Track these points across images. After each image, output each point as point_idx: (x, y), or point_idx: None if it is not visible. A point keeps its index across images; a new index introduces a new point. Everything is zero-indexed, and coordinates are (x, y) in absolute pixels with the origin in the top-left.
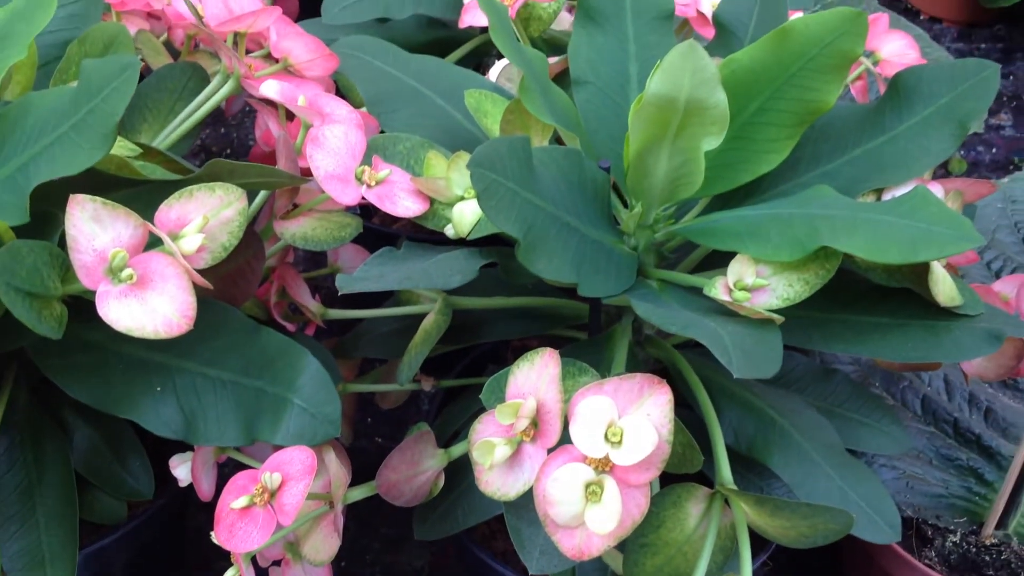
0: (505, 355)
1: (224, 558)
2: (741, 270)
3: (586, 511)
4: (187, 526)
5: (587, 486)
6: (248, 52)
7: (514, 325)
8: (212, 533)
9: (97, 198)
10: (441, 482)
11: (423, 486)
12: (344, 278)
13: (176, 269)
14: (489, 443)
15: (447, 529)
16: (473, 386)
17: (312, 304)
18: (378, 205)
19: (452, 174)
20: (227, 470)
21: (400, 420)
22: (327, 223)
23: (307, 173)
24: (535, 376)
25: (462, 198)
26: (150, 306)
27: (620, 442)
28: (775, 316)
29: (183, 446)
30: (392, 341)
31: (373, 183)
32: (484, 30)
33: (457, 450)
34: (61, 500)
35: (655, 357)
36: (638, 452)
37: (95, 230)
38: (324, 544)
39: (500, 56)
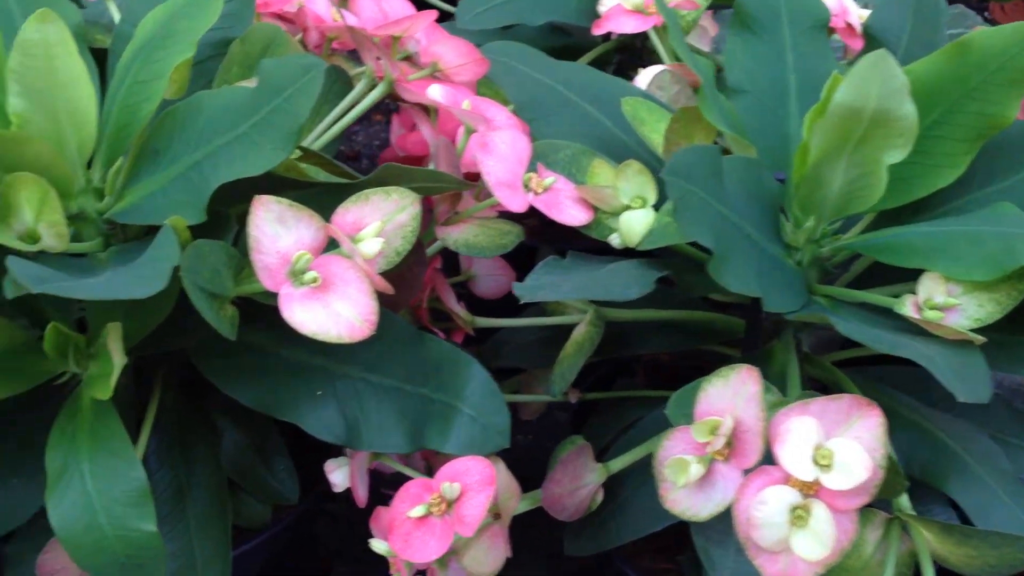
0: (635, 368)
1: (349, 563)
2: (932, 288)
3: (792, 536)
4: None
5: (793, 510)
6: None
7: (662, 338)
8: (372, 540)
9: (282, 200)
10: (600, 497)
11: (583, 500)
12: (522, 287)
13: (357, 273)
14: (683, 461)
15: (599, 545)
16: (615, 399)
17: (462, 311)
18: (545, 212)
19: (620, 183)
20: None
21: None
22: (488, 230)
23: (468, 178)
24: (731, 393)
25: (628, 207)
26: (333, 310)
27: (830, 465)
28: (976, 337)
29: (317, 450)
30: (535, 351)
31: (540, 190)
32: (606, 38)
33: (616, 464)
34: (212, 502)
35: (812, 376)
36: (852, 477)
37: (279, 231)
38: (488, 556)
39: (623, 64)
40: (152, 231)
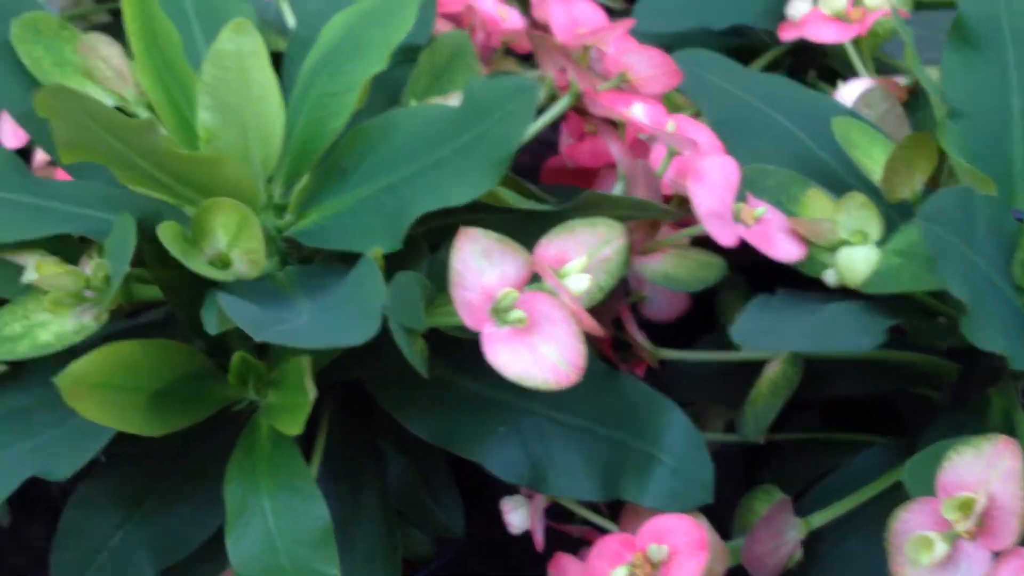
0: (811, 404)
1: None
2: None
3: None
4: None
5: None
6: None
7: (856, 378)
8: None
9: (490, 233)
10: (799, 554)
11: (783, 558)
12: (740, 332)
13: (564, 313)
14: (926, 539)
15: None
16: (797, 441)
17: (647, 343)
18: (756, 246)
19: (840, 216)
20: None
21: None
22: (688, 261)
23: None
24: (984, 466)
25: (846, 242)
26: (538, 353)
27: None
28: None
29: (477, 481)
30: (715, 384)
31: (750, 221)
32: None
33: (817, 520)
34: (381, 535)
35: None
36: None
37: (484, 266)
38: None
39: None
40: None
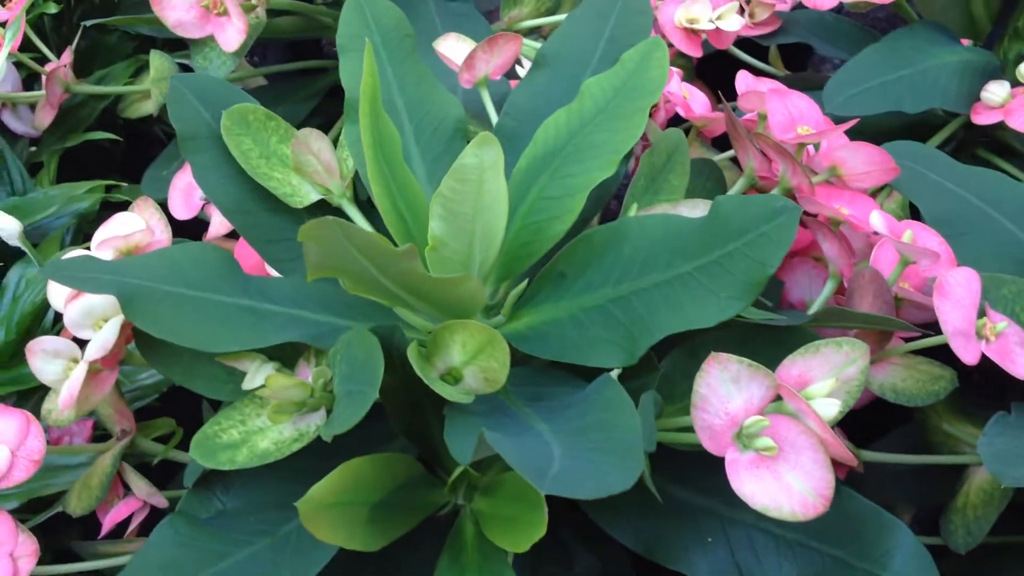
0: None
1: None
2: None
3: None
4: None
5: None
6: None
7: None
8: None
9: (742, 359)
10: None
11: None
12: (999, 466)
13: (812, 440)
14: None
15: None
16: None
17: (849, 445)
18: (997, 361)
19: None
20: None
21: None
22: (917, 372)
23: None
24: None
25: None
26: (784, 482)
27: None
28: None
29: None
30: (909, 484)
31: (992, 337)
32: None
33: None
34: None
35: None
36: None
37: (731, 392)
38: None
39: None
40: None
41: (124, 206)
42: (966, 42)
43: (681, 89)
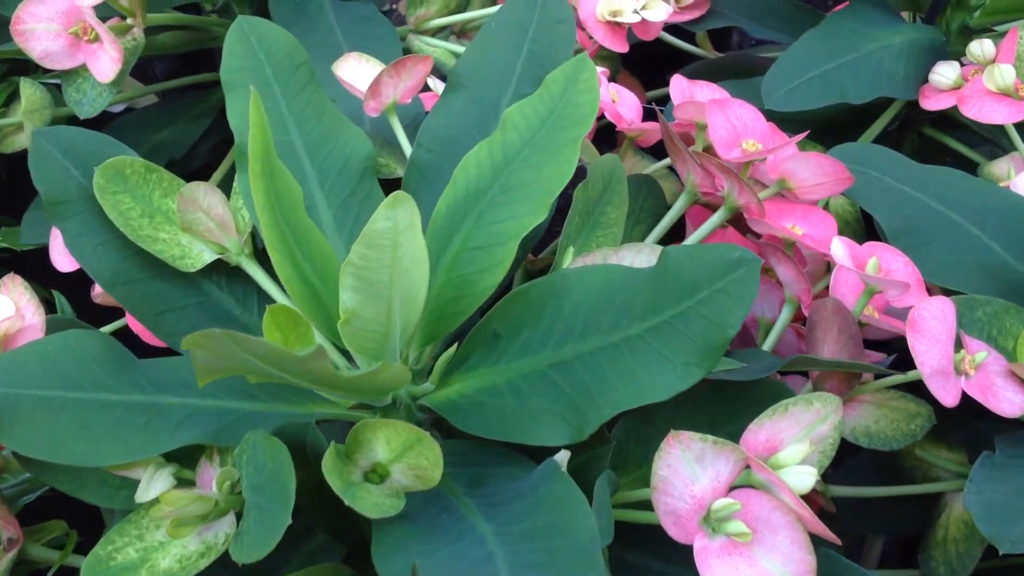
0: None
1: None
2: None
3: None
4: None
5: None
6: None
7: None
8: None
9: (706, 436)
10: None
11: None
12: (985, 520)
13: (787, 517)
14: None
15: None
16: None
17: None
18: (979, 399)
19: None
20: None
21: None
22: (890, 412)
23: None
24: None
25: None
26: (760, 567)
27: None
28: None
29: None
30: (880, 514)
31: (972, 371)
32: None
33: None
34: None
35: None
36: None
37: (696, 472)
38: None
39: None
40: None
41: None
42: (906, 15)
43: (609, 92)
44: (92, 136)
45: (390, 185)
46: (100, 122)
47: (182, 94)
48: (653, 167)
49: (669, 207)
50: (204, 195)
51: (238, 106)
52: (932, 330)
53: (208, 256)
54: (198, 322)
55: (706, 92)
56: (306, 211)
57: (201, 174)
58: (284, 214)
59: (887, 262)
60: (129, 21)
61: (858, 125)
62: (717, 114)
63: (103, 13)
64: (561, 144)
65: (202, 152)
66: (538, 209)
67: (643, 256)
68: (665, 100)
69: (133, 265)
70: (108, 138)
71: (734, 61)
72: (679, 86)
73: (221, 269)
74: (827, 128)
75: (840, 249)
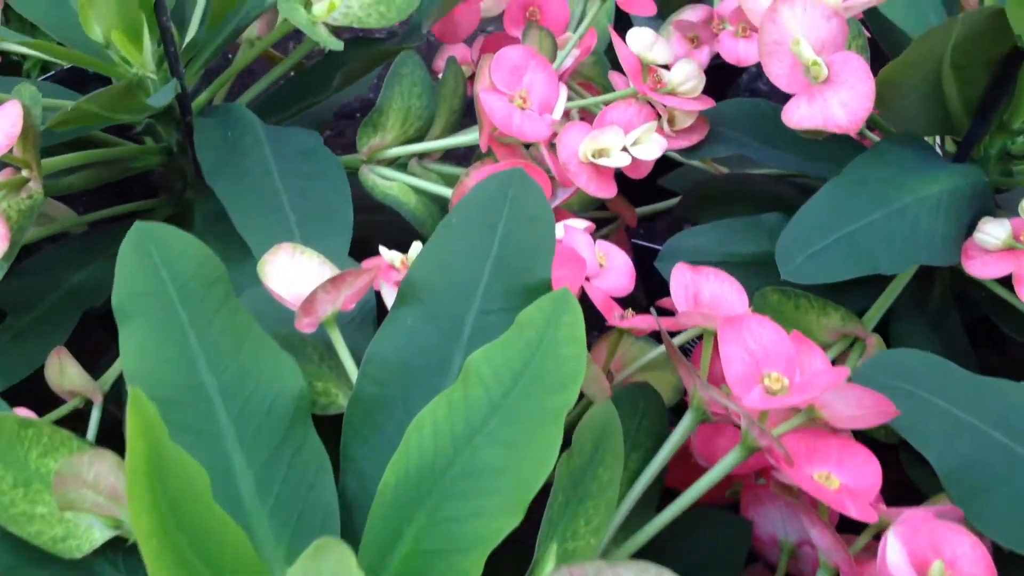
0: None
1: None
2: None
3: None
4: None
5: None
6: None
7: None
8: None
9: None
10: None
11: None
12: None
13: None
14: None
15: None
16: None
17: None
18: None
19: None
20: None
21: None
22: None
23: None
24: None
25: None
26: None
27: None
28: None
29: None
30: None
31: None
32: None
33: None
34: None
35: None
36: None
37: None
38: None
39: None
40: None
41: None
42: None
43: (596, 255)
44: None
45: (331, 423)
46: (30, 250)
47: (117, 221)
48: (651, 355)
49: (671, 407)
50: (88, 465)
51: (134, 343)
52: None
53: (99, 534)
54: None
55: (713, 284)
56: (221, 478)
57: None
58: (180, 522)
59: (950, 551)
60: (25, 174)
61: None
62: (732, 343)
63: None
64: (540, 418)
65: None
66: (512, 509)
67: None
68: (658, 217)
69: (5, 549)
70: None
71: (739, 182)
72: (681, 281)
73: (118, 545)
74: None
75: (898, 554)
